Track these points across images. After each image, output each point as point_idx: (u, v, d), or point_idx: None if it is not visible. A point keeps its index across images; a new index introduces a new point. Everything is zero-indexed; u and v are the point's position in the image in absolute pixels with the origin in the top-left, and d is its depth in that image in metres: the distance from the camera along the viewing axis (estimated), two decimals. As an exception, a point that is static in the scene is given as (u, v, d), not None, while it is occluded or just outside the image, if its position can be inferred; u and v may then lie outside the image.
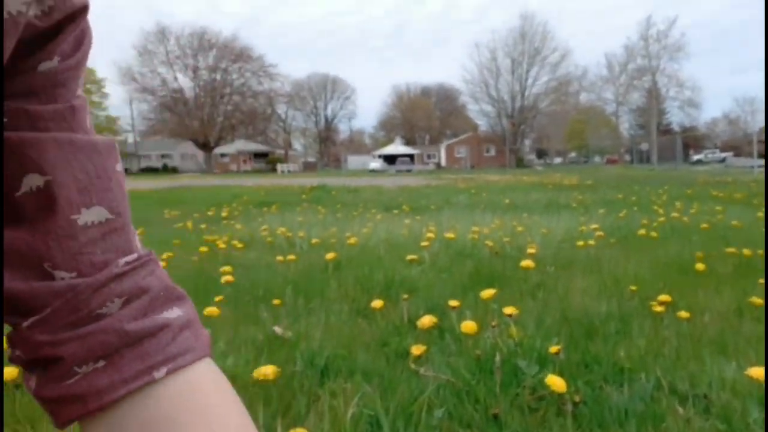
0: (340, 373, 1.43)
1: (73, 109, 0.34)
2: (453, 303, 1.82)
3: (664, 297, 2.02)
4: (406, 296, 2.02)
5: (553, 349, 1.39)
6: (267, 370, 1.30)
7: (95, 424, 0.36)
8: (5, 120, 0.31)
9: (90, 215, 0.34)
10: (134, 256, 0.37)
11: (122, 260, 0.36)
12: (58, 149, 0.32)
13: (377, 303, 1.92)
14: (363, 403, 1.19)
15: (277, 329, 1.78)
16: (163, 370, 0.35)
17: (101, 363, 0.35)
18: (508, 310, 1.59)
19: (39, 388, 0.36)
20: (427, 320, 1.73)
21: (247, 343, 1.68)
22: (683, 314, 1.87)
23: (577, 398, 1.24)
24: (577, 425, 1.18)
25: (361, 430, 1.11)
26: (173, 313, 0.38)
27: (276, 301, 2.11)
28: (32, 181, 0.32)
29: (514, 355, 1.45)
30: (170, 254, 3.38)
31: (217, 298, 2.09)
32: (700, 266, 2.49)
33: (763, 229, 3.78)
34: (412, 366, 1.35)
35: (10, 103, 0.32)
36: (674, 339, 1.66)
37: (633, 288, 2.20)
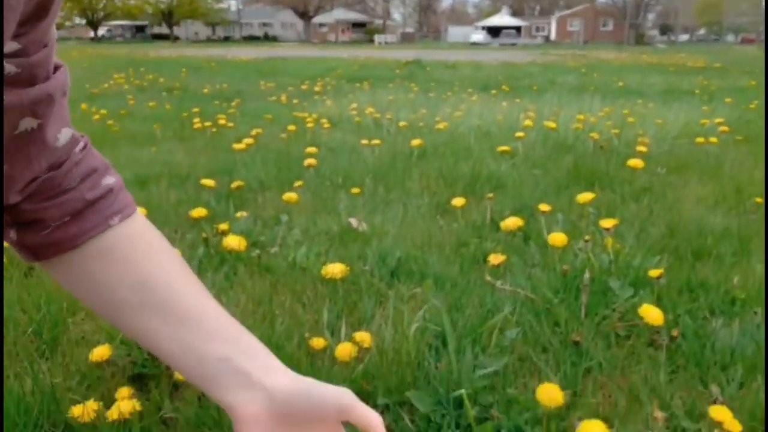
0: (411, 276, 1.35)
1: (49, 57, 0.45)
2: (543, 207, 1.65)
3: (796, 214, 1.74)
4: (491, 195, 1.88)
5: (653, 272, 1.22)
6: (335, 269, 1.25)
7: (65, 261, 0.51)
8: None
9: (63, 138, 0.49)
10: (82, 144, 0.51)
11: (77, 149, 0.51)
12: (47, 102, 0.45)
13: (459, 201, 1.79)
14: (429, 316, 1.11)
15: (353, 221, 1.72)
16: (116, 219, 0.51)
17: (68, 218, 0.50)
18: (607, 222, 1.41)
19: (20, 238, 0.51)
20: (511, 222, 1.59)
21: (321, 234, 1.64)
22: (818, 236, 1.60)
23: (674, 332, 1.09)
24: (672, 363, 1.04)
25: (424, 342, 1.05)
26: (110, 180, 0.52)
27: (355, 190, 2.04)
28: (28, 124, 0.44)
29: (606, 273, 1.30)
30: (259, 131, 3.39)
31: (297, 183, 2.06)
32: None
33: None
34: (488, 278, 1.25)
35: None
36: (804, 268, 1.42)
37: (758, 200, 1.91)
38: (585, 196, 1.70)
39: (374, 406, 0.89)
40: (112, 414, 0.82)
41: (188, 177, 2.42)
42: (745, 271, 1.40)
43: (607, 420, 0.88)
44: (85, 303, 0.54)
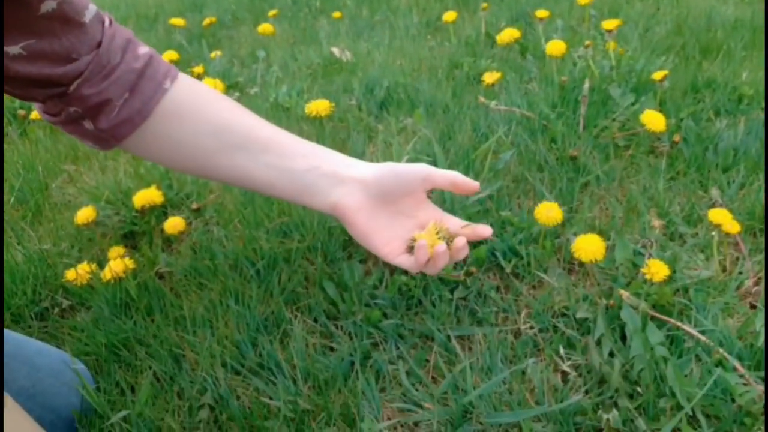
0: (401, 105, 1.28)
1: None
2: (541, 13, 1.51)
3: (819, -6, 1.58)
4: (485, 5, 1.71)
5: (658, 75, 1.13)
6: (320, 107, 1.17)
7: (142, 133, 0.56)
8: None
9: (89, 14, 0.51)
10: (107, 20, 0.55)
11: (106, 25, 0.54)
12: None
13: (450, 15, 1.64)
14: (420, 147, 1.06)
15: (336, 51, 1.59)
16: (168, 82, 0.56)
17: (127, 94, 0.54)
18: (608, 24, 1.28)
19: (97, 124, 0.55)
20: (507, 35, 1.46)
21: (302, 68, 1.53)
22: (840, 18, 1.47)
23: (676, 137, 1.04)
24: (672, 169, 1.01)
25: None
26: (144, 48, 0.57)
27: (336, 14, 1.87)
28: (48, 6, 0.47)
29: (607, 80, 1.22)
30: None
31: (271, 13, 1.88)
32: None
33: None
34: (482, 99, 1.17)
35: None
36: (821, 55, 1.32)
37: (779, -18, 1.73)
38: (586, -4, 1.55)
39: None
40: (106, 274, 0.82)
41: (156, 17, 2.23)
42: (756, 66, 1.30)
43: (603, 233, 0.87)
44: (173, 166, 0.61)
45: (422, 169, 0.58)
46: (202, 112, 0.58)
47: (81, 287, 0.83)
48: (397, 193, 0.58)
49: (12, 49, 0.47)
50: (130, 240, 0.97)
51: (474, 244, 0.85)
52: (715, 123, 1.12)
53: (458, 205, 0.91)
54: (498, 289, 0.81)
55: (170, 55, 1.56)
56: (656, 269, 0.70)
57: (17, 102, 1.48)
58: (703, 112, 1.14)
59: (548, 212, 0.77)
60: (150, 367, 0.72)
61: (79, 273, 0.83)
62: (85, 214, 0.93)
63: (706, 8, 1.67)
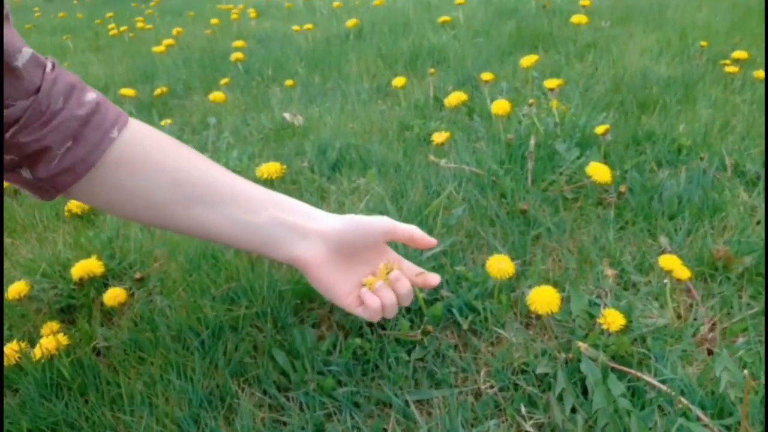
0: (353, 166, 1.28)
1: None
2: (485, 76, 1.56)
3: (739, 53, 1.70)
4: (432, 70, 1.77)
5: (599, 129, 1.17)
6: (271, 169, 1.16)
7: (88, 183, 0.53)
8: None
9: (22, 58, 0.49)
10: (50, 65, 0.53)
11: (47, 70, 0.52)
12: None
13: (399, 80, 1.68)
14: (373, 205, 1.05)
15: (287, 115, 1.60)
16: (115, 131, 0.54)
17: (70, 143, 0.52)
18: (551, 83, 1.34)
19: (34, 173, 0.52)
20: (454, 98, 1.50)
21: (253, 133, 1.53)
22: (760, 74, 1.57)
23: (622, 188, 1.07)
24: (621, 219, 1.02)
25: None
26: (92, 94, 0.55)
27: (289, 82, 1.89)
28: None
29: (552, 136, 1.25)
30: (180, 30, 3.09)
31: (223, 81, 1.90)
32: (791, 11, 2.06)
33: None
34: (432, 158, 1.18)
35: None
36: (746, 108, 1.40)
37: (702, 44, 1.86)
38: (528, 59, 1.61)
39: (322, 303, 0.86)
40: (36, 353, 0.75)
41: (107, 88, 2.22)
42: (691, 118, 1.37)
43: (557, 284, 0.86)
44: (126, 216, 0.58)
45: (384, 222, 0.62)
46: (156, 161, 0.56)
47: (8, 368, 0.76)
48: (359, 245, 0.61)
49: None
50: (66, 314, 0.91)
51: (429, 302, 0.83)
52: (657, 173, 1.15)
53: (413, 260, 0.90)
54: (456, 347, 0.78)
55: (118, 123, 1.54)
56: (612, 319, 0.69)
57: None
58: (645, 163, 1.18)
59: (499, 265, 0.76)
60: (80, 454, 0.65)
61: (6, 353, 0.76)
62: (16, 289, 0.87)
63: (641, 67, 1.77)
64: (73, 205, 1.17)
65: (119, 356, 0.79)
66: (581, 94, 1.55)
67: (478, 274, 0.85)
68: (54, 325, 0.84)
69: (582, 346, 0.70)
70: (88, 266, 0.92)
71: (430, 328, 0.78)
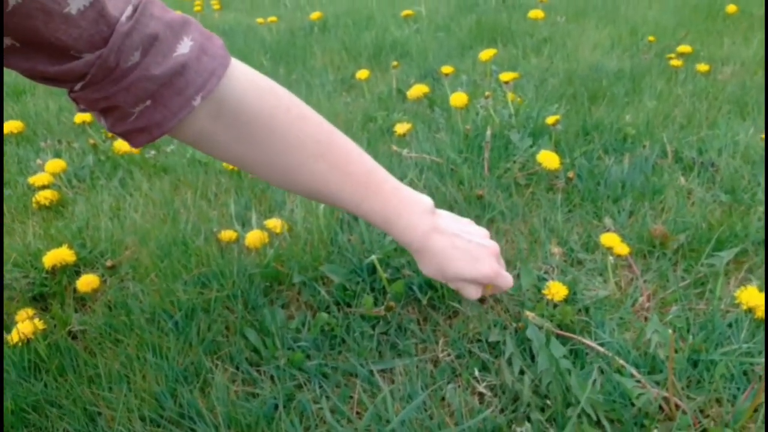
0: (319, 156, 1.32)
1: None
2: (445, 69, 1.62)
3: (684, 48, 1.80)
4: (396, 63, 1.82)
5: (551, 119, 1.25)
6: (236, 159, 1.20)
7: (177, 136, 0.53)
8: None
9: (75, 4, 0.41)
10: (130, 9, 0.45)
11: (123, 17, 0.44)
12: None
13: (363, 73, 1.73)
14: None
15: (253, 108, 1.63)
16: (198, 98, 0.49)
17: (148, 102, 0.47)
18: (506, 76, 1.40)
19: (111, 127, 0.50)
20: (416, 90, 1.56)
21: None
22: (702, 67, 1.68)
23: (570, 174, 1.14)
24: (569, 202, 1.10)
25: (335, 219, 1.05)
26: (185, 46, 0.47)
27: (253, 74, 1.92)
28: None
29: (507, 127, 1.32)
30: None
31: (187, 74, 1.91)
32: (731, 8, 2.18)
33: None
34: (395, 148, 1.24)
35: None
36: (688, 99, 1.50)
37: (651, 39, 1.96)
38: (487, 53, 1.68)
39: (290, 285, 0.90)
40: (13, 337, 0.78)
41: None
42: (637, 109, 1.46)
43: (509, 263, 0.93)
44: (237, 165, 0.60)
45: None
46: (253, 126, 0.54)
47: (-16, 353, 0.78)
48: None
49: (6, 40, 0.42)
50: (40, 302, 0.93)
51: (392, 280, 0.89)
52: (604, 160, 1.23)
53: (376, 244, 0.95)
54: (417, 321, 0.84)
55: (82, 116, 1.54)
56: (556, 290, 0.76)
57: None
58: (593, 151, 1.26)
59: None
60: (63, 429, 0.68)
61: (-19, 338, 0.79)
62: (-12, 278, 0.89)
63: (594, 62, 1.86)
64: (41, 197, 1.18)
65: (95, 339, 0.83)
66: (536, 87, 1.63)
67: (437, 255, 0.91)
68: (29, 311, 0.86)
69: (530, 315, 0.77)
70: (59, 255, 0.94)
71: (392, 304, 0.84)
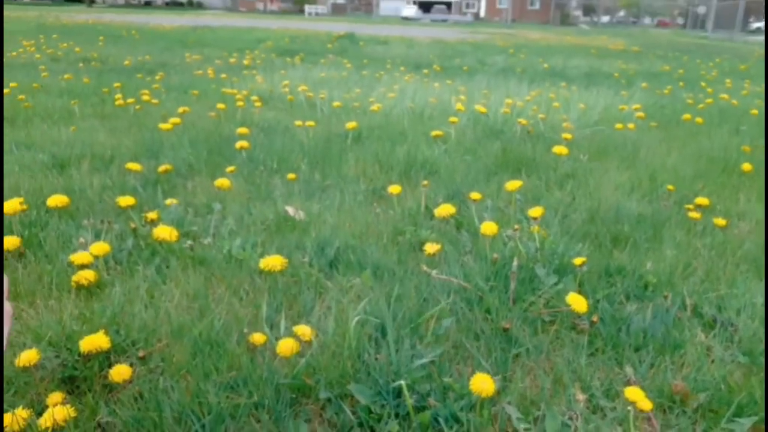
0: (350, 266, 1.37)
1: None
2: (474, 195, 1.71)
3: (701, 200, 1.89)
4: (425, 182, 1.92)
5: (577, 261, 1.30)
6: (274, 262, 1.25)
7: None
8: None
9: None
10: None
11: None
12: None
13: (395, 188, 1.82)
14: (370, 308, 1.14)
15: (290, 210, 1.71)
16: None
17: None
18: (534, 212, 1.48)
19: None
20: (444, 210, 1.64)
21: (256, 223, 1.63)
22: (720, 221, 1.75)
23: (594, 317, 1.18)
24: (592, 345, 1.12)
25: (365, 334, 1.07)
26: None
27: (291, 176, 2.02)
28: None
29: (533, 260, 1.38)
30: (186, 108, 3.25)
31: (229, 169, 2.02)
32: (746, 166, 2.30)
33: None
34: (425, 268, 1.29)
35: None
36: (707, 253, 1.56)
37: (670, 188, 2.06)
38: (513, 184, 1.78)
39: (316, 399, 0.92)
40: (45, 422, 0.79)
41: (112, 160, 2.32)
42: (657, 257, 1.52)
43: (533, 402, 0.94)
44: None
45: None
46: None
47: (13, 435, 0.79)
48: None
49: None
50: (68, 385, 0.95)
51: (418, 410, 0.90)
52: (626, 306, 1.27)
53: (404, 366, 0.97)
54: (439, 455, 0.84)
55: (126, 200, 1.62)
56: (584, 442, 0.77)
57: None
58: (615, 295, 1.30)
59: (482, 384, 0.84)
60: None
61: (14, 418, 0.80)
62: (27, 357, 0.92)
63: (614, 202, 1.95)
64: (81, 277, 1.22)
65: (122, 433, 0.83)
66: (560, 221, 1.70)
67: (464, 387, 0.93)
68: (58, 395, 0.88)
69: (556, 465, 0.77)
70: (96, 341, 0.97)
71: (417, 434, 0.84)
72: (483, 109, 3.36)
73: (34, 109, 3.39)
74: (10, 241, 1.37)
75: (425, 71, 6.20)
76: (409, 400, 0.88)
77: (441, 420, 0.88)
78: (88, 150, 2.45)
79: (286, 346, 0.99)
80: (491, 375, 0.99)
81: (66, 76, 4.90)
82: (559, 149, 2.30)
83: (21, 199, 1.56)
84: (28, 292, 1.23)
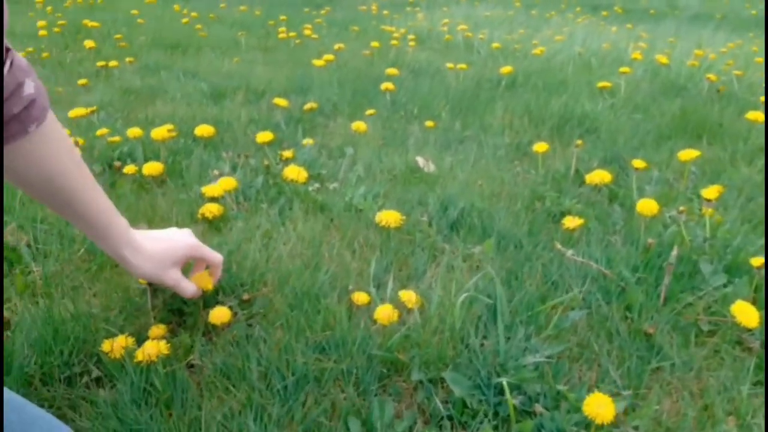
0: (473, 231, 1.24)
1: None
2: (637, 162, 1.46)
3: None
4: (579, 142, 1.69)
5: (756, 261, 1.04)
6: (390, 217, 1.16)
7: None
8: None
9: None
10: (8, 64, 0.58)
11: (4, 70, 0.57)
12: None
13: (541, 146, 1.62)
14: (483, 285, 1.01)
15: (420, 160, 1.60)
16: (34, 126, 0.63)
17: None
18: (710, 192, 1.21)
19: None
20: (597, 176, 1.42)
21: (384, 172, 1.55)
22: None
23: (770, 336, 0.93)
24: (760, 371, 0.89)
25: (472, 314, 0.95)
26: (30, 88, 0.61)
27: (429, 123, 1.90)
28: None
29: (698, 252, 1.13)
30: (341, 45, 3.25)
31: (368, 112, 1.95)
32: None
33: None
34: (558, 246, 1.12)
35: None
36: None
37: None
38: (688, 153, 1.49)
39: (408, 378, 0.83)
40: (139, 355, 0.80)
41: (263, 94, 2.37)
42: None
43: (669, 430, 0.77)
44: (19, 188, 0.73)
45: (189, 253, 0.87)
46: (44, 162, 0.67)
47: (113, 361, 0.82)
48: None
49: None
50: (176, 317, 0.96)
51: (522, 413, 0.78)
52: (818, 326, 0.99)
53: (511, 360, 0.85)
54: (539, 473, 0.72)
55: (264, 136, 1.63)
56: None
57: (116, 152, 1.58)
58: (805, 309, 1.03)
59: (598, 407, 0.68)
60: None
61: (115, 346, 0.82)
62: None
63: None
64: (207, 210, 1.25)
65: (209, 378, 0.82)
66: (742, 206, 1.40)
67: (581, 399, 0.78)
68: (161, 328, 0.89)
69: None
70: (201, 280, 0.96)
71: (514, 445, 0.72)
72: (665, 59, 2.90)
73: (206, 40, 3.62)
74: (154, 167, 1.44)
75: (604, 13, 5.57)
76: (512, 402, 0.76)
77: (546, 433, 0.74)
78: (245, 82, 2.54)
79: (384, 313, 0.91)
80: (620, 389, 0.83)
81: (242, 7, 5.17)
82: (755, 115, 1.89)
83: (170, 126, 1.64)
84: (163, 219, 1.28)
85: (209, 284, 0.92)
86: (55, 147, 0.68)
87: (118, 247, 0.79)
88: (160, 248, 0.83)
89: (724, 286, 1.04)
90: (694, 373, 0.88)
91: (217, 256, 0.91)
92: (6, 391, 0.65)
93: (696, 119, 2.09)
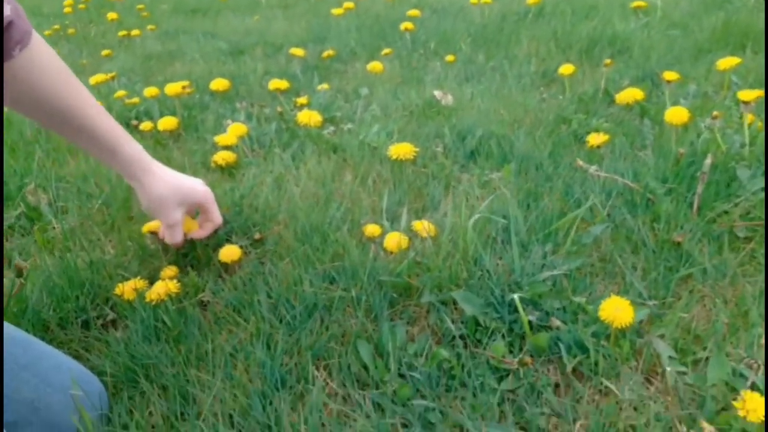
0: (491, 158, 1.19)
1: None
2: (668, 75, 1.36)
3: None
4: (608, 61, 1.58)
5: (801, 160, 0.95)
6: (403, 150, 1.13)
7: None
8: None
9: None
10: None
11: None
12: None
13: (567, 68, 1.53)
14: (498, 206, 0.97)
15: (437, 93, 1.54)
16: (17, 49, 0.65)
17: None
18: (748, 94, 1.11)
19: None
20: (627, 94, 1.34)
21: (400, 109, 1.50)
22: None
23: (816, 237, 0.85)
24: (803, 275, 0.82)
25: (486, 234, 0.91)
26: (6, 9, 0.62)
27: (450, 58, 1.82)
28: None
29: (735, 158, 1.05)
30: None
31: (384, 52, 1.88)
32: None
33: None
34: (579, 163, 1.05)
35: None
36: None
37: None
38: (728, 61, 1.37)
39: (419, 301, 0.81)
40: (150, 294, 0.81)
41: (281, 47, 2.33)
42: None
43: (698, 338, 0.72)
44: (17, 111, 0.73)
45: (200, 199, 0.90)
46: (36, 84, 0.69)
47: (125, 303, 0.83)
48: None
49: None
50: (189, 259, 0.96)
51: (536, 328, 0.74)
52: None
53: (527, 277, 0.81)
54: (555, 387, 0.69)
55: (276, 83, 1.60)
56: (753, 405, 0.55)
57: (132, 111, 1.58)
58: None
59: (615, 310, 0.64)
60: (155, 402, 0.68)
61: (126, 289, 0.83)
62: (150, 225, 0.95)
63: None
64: (218, 157, 1.24)
65: (220, 313, 0.82)
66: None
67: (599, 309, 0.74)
68: (173, 269, 0.89)
69: (707, 428, 0.57)
70: (187, 223, 0.96)
71: (528, 359, 0.69)
72: (706, -27, 2.68)
73: (226, 3, 3.58)
74: (169, 122, 1.45)
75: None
76: (525, 316, 0.73)
77: (562, 346, 0.71)
78: (263, 38, 2.50)
79: (393, 240, 0.89)
80: (645, 299, 0.78)
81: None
82: (807, 16, 1.73)
83: (185, 83, 1.63)
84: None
85: (195, 226, 0.92)
86: (45, 70, 0.69)
87: (131, 167, 0.81)
88: (175, 182, 0.85)
89: (762, 190, 0.96)
90: (728, 279, 0.82)
91: (218, 217, 0.91)
92: (12, 328, 0.67)
93: (739, 29, 1.92)
